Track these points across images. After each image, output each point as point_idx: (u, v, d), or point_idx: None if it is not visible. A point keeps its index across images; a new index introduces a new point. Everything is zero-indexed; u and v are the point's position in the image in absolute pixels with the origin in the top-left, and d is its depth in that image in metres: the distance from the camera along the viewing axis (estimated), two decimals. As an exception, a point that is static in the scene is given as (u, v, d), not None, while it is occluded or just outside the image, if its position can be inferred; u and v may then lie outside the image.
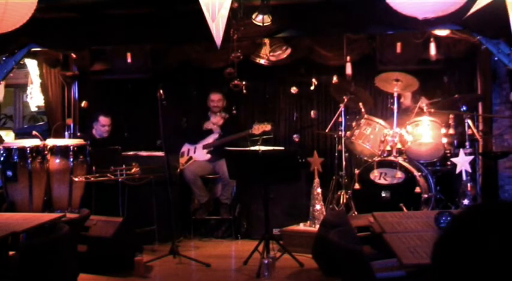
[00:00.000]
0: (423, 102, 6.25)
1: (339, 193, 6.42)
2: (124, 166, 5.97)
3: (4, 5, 3.88)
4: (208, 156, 7.04)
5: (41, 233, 3.87)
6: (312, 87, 7.25)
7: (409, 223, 3.35)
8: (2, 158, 5.52)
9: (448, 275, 0.97)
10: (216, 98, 7.13)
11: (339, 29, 6.13)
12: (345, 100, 6.51)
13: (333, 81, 6.97)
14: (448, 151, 6.08)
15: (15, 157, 5.49)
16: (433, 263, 1.01)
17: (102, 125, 6.99)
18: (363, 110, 6.43)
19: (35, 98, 8.64)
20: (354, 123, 6.46)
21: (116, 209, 5.96)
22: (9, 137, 9.11)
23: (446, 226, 1.01)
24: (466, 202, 5.63)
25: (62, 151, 5.69)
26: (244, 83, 6.60)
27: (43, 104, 7.58)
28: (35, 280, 3.39)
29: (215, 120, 7.16)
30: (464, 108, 6.03)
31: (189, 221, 6.83)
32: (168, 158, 5.87)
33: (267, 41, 7.10)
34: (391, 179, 5.94)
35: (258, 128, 6.82)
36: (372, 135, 6.25)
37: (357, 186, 6.06)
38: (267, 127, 6.85)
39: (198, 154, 7.07)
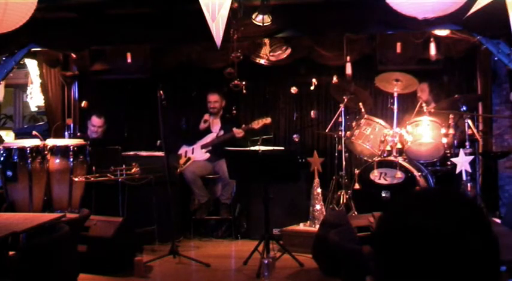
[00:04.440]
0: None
1: (339, 193, 6.42)
2: (124, 166, 5.97)
3: (4, 5, 3.88)
4: (207, 155, 7.05)
5: (41, 233, 3.87)
6: (312, 87, 7.25)
7: (409, 223, 3.34)
8: (2, 158, 5.51)
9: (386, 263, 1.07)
10: (212, 99, 7.13)
11: (339, 29, 6.14)
12: (345, 100, 6.51)
13: (333, 81, 6.97)
14: (448, 151, 6.08)
15: (15, 157, 5.48)
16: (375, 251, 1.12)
17: (93, 125, 6.99)
18: (363, 110, 6.43)
19: (35, 98, 8.65)
20: (354, 123, 6.46)
21: (116, 209, 5.95)
22: (9, 137, 9.11)
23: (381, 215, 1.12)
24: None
25: (62, 151, 5.69)
26: (244, 83, 6.60)
27: (43, 104, 7.58)
28: (35, 280, 3.40)
29: (214, 122, 7.17)
30: (464, 108, 6.02)
31: (189, 221, 6.82)
32: (168, 158, 5.87)
33: (267, 41, 7.10)
34: (391, 179, 5.94)
35: (258, 123, 6.84)
36: (372, 135, 6.25)
37: (357, 186, 6.06)
38: (267, 120, 6.87)
39: (196, 154, 7.07)
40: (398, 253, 1.04)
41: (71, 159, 5.67)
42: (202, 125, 7.14)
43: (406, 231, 1.03)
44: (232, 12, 4.96)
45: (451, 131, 6.04)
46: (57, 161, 5.66)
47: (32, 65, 7.98)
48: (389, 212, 1.10)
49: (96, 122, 6.98)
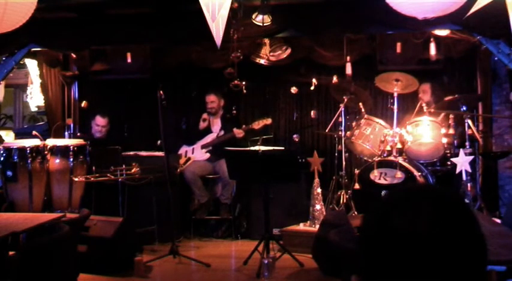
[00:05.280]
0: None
1: (339, 193, 6.42)
2: (124, 166, 5.97)
3: (4, 5, 3.89)
4: (208, 155, 7.05)
5: (41, 233, 3.87)
6: (312, 87, 7.25)
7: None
8: (2, 158, 5.52)
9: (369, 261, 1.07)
10: (209, 100, 7.13)
11: (339, 29, 6.14)
12: (345, 100, 6.51)
13: (333, 81, 6.97)
14: (448, 151, 6.08)
15: (15, 157, 5.49)
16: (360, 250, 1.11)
17: (97, 124, 6.99)
18: (363, 110, 6.43)
19: (35, 98, 8.66)
20: (354, 123, 6.46)
21: (116, 209, 5.95)
22: (9, 137, 9.12)
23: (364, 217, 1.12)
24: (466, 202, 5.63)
25: (62, 151, 5.69)
26: (244, 83, 6.60)
27: (43, 104, 7.58)
28: (35, 280, 3.39)
29: (215, 122, 7.17)
30: (464, 108, 6.02)
31: (189, 221, 6.82)
32: (168, 158, 5.87)
33: (267, 41, 7.10)
34: (391, 179, 5.94)
35: (258, 123, 6.85)
36: (372, 135, 6.25)
37: (357, 186, 6.06)
38: (268, 121, 6.88)
39: (196, 154, 7.07)
40: (381, 255, 1.03)
41: (71, 159, 5.67)
42: (202, 125, 7.14)
43: (387, 234, 1.03)
44: (232, 12, 4.97)
45: (451, 131, 6.04)
46: (57, 161, 5.67)
47: (32, 65, 7.99)
48: (370, 214, 1.09)
49: (100, 122, 6.98)
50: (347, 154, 6.63)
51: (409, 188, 1.21)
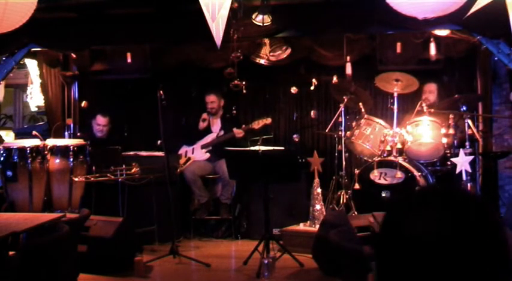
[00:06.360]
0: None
1: (339, 193, 6.42)
2: (124, 166, 5.97)
3: (4, 5, 3.89)
4: (208, 155, 7.05)
5: (41, 233, 3.87)
6: (312, 87, 7.25)
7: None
8: (2, 158, 5.52)
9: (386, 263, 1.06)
10: (209, 100, 7.13)
11: (339, 29, 6.14)
12: (345, 100, 6.51)
13: (333, 81, 6.97)
14: (448, 151, 6.08)
15: (15, 157, 5.49)
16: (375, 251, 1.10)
17: (98, 124, 6.99)
18: (363, 110, 6.43)
19: (35, 98, 8.65)
20: (354, 123, 6.46)
21: (116, 209, 5.95)
22: (9, 137, 9.12)
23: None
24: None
25: (62, 151, 5.70)
26: (244, 83, 6.60)
27: (43, 104, 7.58)
28: (35, 280, 3.40)
29: (215, 122, 7.18)
30: (464, 108, 6.02)
31: (189, 221, 6.82)
32: (168, 158, 5.87)
33: (267, 41, 7.11)
34: (391, 179, 5.94)
35: (258, 123, 6.85)
36: (372, 135, 6.24)
37: (357, 186, 6.06)
38: (268, 121, 6.88)
39: (196, 154, 7.07)
40: (399, 260, 1.02)
41: (71, 159, 5.68)
42: (202, 125, 7.14)
43: (405, 240, 1.01)
44: (232, 12, 4.96)
45: (451, 131, 6.03)
46: (57, 161, 5.67)
47: (32, 65, 7.99)
48: (387, 220, 1.08)
49: (101, 121, 6.98)
50: (347, 154, 6.62)
51: (423, 191, 1.19)
